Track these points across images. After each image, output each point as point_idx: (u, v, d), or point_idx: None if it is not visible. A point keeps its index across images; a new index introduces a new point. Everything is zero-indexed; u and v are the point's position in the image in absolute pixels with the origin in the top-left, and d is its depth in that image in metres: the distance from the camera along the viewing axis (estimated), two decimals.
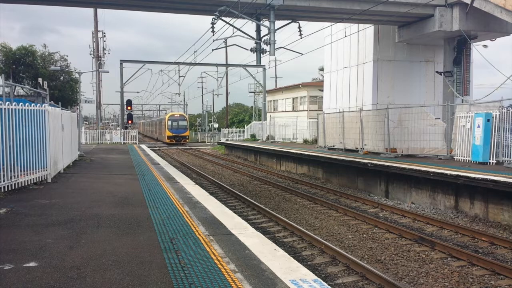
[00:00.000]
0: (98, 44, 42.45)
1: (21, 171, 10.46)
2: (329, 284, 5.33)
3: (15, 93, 26.61)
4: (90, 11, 76.01)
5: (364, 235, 9.81)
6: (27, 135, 10.66)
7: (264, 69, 43.40)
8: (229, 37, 24.40)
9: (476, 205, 11.78)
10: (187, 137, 51.09)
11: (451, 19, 19.94)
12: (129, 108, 38.98)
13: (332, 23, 25.65)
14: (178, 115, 51.73)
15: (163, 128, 51.99)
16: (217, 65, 44.33)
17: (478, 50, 20.81)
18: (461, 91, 20.93)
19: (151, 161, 18.82)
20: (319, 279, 4.52)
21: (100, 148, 29.19)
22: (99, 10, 50.02)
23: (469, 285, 6.90)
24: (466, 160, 15.01)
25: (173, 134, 49.06)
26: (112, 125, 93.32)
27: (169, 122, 49.42)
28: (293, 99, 50.94)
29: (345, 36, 26.01)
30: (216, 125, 62.39)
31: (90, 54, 45.01)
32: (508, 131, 13.66)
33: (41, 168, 11.38)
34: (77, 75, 33.90)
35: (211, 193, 12.78)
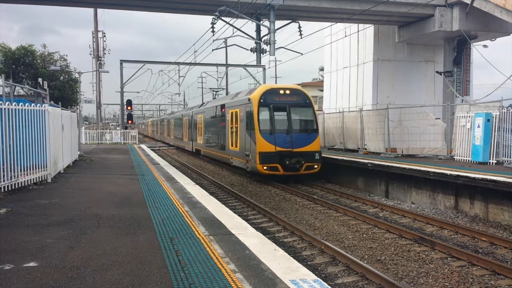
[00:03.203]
0: (98, 44, 42.41)
1: (21, 171, 10.46)
2: (329, 284, 5.33)
3: (15, 93, 26.63)
4: (89, 11, 76.23)
5: (364, 235, 9.81)
6: (27, 135, 10.65)
7: (264, 69, 43.38)
8: (229, 37, 24.43)
9: (476, 205, 11.77)
10: (317, 156, 17.39)
11: (451, 19, 19.95)
12: (129, 108, 38.87)
13: (332, 23, 25.68)
14: (287, 92, 17.81)
15: (241, 129, 18.88)
16: (217, 65, 44.26)
17: (478, 50, 20.82)
18: (461, 91, 20.94)
19: (151, 161, 18.82)
20: (319, 279, 4.52)
21: (100, 148, 29.18)
22: (99, 11, 49.83)
23: (469, 285, 6.89)
24: (466, 160, 15.00)
25: (283, 150, 16.88)
26: (112, 125, 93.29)
27: (266, 113, 17.34)
28: None
29: (345, 36, 26.03)
30: None
31: (90, 54, 45.00)
32: (508, 131, 13.66)
33: (41, 168, 11.38)
34: (77, 75, 33.95)
35: (211, 193, 12.79)
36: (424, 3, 19.23)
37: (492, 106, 14.85)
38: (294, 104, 17.50)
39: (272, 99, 17.35)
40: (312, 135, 17.46)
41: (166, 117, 52.65)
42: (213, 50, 50.96)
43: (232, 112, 20.14)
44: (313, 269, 7.49)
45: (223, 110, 22.15)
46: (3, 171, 9.70)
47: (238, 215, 7.99)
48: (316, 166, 17.21)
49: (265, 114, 17.11)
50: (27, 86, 32.41)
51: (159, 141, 54.80)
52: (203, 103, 32.31)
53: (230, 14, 18.95)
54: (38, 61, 40.80)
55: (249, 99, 17.69)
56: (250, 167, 17.68)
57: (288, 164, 16.56)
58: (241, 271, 4.71)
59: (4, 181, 9.71)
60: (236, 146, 19.41)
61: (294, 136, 16.94)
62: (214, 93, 37.97)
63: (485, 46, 23.55)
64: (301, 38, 21.59)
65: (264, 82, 43.61)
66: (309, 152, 17.03)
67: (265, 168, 16.62)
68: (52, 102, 17.67)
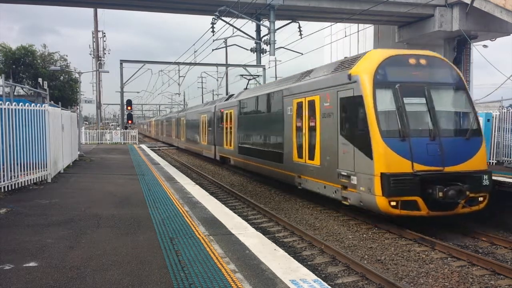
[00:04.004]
0: (98, 44, 42.45)
1: (21, 171, 10.47)
2: (329, 284, 5.33)
3: (15, 93, 26.65)
4: (89, 11, 76.31)
5: (364, 235, 9.80)
6: (27, 135, 10.67)
7: (264, 69, 43.37)
8: (229, 37, 24.52)
9: None
10: (486, 179, 9.51)
11: (451, 19, 19.97)
12: (129, 108, 38.88)
13: (332, 23, 25.68)
14: (421, 61, 10.13)
15: (323, 130, 11.58)
16: (217, 65, 44.26)
17: (478, 50, 20.84)
18: None
19: (151, 161, 18.83)
20: (319, 279, 4.53)
21: (100, 148, 29.19)
22: (99, 10, 49.77)
23: (469, 285, 6.89)
24: None
25: (427, 169, 9.17)
26: (112, 125, 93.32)
27: (390, 100, 9.66)
28: None
29: (345, 36, 26.04)
30: None
31: (90, 54, 45.02)
32: (508, 131, 13.68)
33: (41, 168, 11.39)
34: (77, 75, 33.96)
35: (211, 193, 12.78)
36: (424, 3, 19.23)
37: (492, 106, 14.88)
38: (436, 84, 10.15)
39: (398, 75, 9.97)
40: (473, 142, 9.89)
41: (174, 116, 43.60)
42: (213, 50, 50.88)
43: (302, 103, 12.75)
44: (313, 269, 7.48)
45: (278, 100, 14.59)
46: (3, 171, 9.71)
47: (238, 215, 8.00)
48: (481, 199, 9.66)
49: (388, 102, 9.69)
50: (27, 86, 32.43)
51: (166, 143, 47.07)
52: (231, 95, 23.66)
53: (230, 14, 18.97)
54: (38, 61, 40.84)
55: (349, 76, 10.13)
56: (353, 198, 10.10)
57: (442, 196, 8.93)
58: (241, 271, 4.71)
59: (4, 181, 9.72)
60: (311, 159, 12.24)
61: (444, 143, 9.47)
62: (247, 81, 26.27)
63: (485, 46, 23.57)
64: (301, 38, 21.63)
65: (264, 82, 42.57)
66: (472, 174, 9.54)
67: (393, 204, 9.06)
68: (52, 102, 17.68)
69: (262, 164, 16.56)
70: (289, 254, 6.23)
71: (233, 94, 23.28)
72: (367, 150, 9.50)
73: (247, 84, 24.75)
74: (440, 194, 8.93)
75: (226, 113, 21.58)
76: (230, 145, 20.82)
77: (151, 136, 70.88)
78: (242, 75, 25.68)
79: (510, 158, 13.62)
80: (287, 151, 13.96)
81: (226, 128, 21.55)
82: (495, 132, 13.97)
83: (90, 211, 7.87)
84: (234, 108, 20.17)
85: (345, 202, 10.65)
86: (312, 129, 12.25)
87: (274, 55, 20.41)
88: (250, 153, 17.98)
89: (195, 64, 40.36)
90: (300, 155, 13.07)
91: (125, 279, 4.50)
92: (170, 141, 44.91)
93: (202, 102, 50.61)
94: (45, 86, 21.66)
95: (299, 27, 21.86)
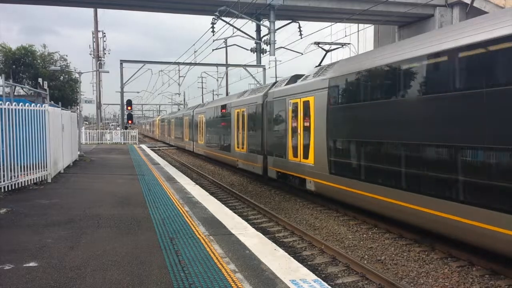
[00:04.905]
0: (98, 44, 42.44)
1: (21, 171, 10.47)
2: (329, 284, 5.33)
3: (15, 93, 26.67)
4: (89, 12, 76.46)
5: (364, 235, 9.80)
6: (27, 135, 10.68)
7: (264, 69, 43.39)
8: (229, 37, 24.48)
9: None
10: None
11: (451, 19, 19.99)
12: (129, 108, 38.87)
13: (332, 23, 25.70)
14: None
15: None
16: (217, 65, 44.26)
17: None
18: None
19: (151, 161, 18.83)
20: (319, 279, 4.53)
21: (100, 148, 29.20)
22: (99, 11, 49.75)
23: (469, 285, 6.89)
24: None
25: None
26: (112, 125, 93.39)
27: None
28: None
29: (345, 36, 26.06)
30: None
31: (90, 54, 45.01)
32: None
33: (41, 168, 11.39)
34: (77, 75, 33.98)
35: (211, 193, 12.79)
36: (424, 3, 19.25)
37: None
38: None
39: None
40: None
41: (187, 113, 34.83)
42: (213, 50, 50.81)
43: None
44: (313, 269, 7.48)
45: (496, 63, 6.24)
46: (3, 171, 9.71)
47: (238, 215, 8.01)
48: None
49: None
50: (27, 86, 32.46)
51: (176, 146, 41.12)
52: (295, 76, 15.05)
53: (230, 14, 18.98)
54: (38, 61, 40.89)
55: None
56: None
57: None
58: (241, 271, 4.71)
59: (4, 181, 9.72)
60: None
61: None
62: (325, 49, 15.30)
63: None
64: (301, 38, 21.62)
65: (264, 82, 43.21)
66: None
67: None
68: (52, 102, 17.69)
69: (422, 206, 8.13)
70: (289, 254, 6.23)
71: (300, 75, 14.68)
72: None
73: (323, 57, 15.24)
74: None
75: (294, 104, 13.64)
76: (306, 157, 12.88)
77: (155, 137, 63.41)
78: (317, 43, 14.48)
79: None
80: None
81: (294, 128, 13.66)
82: None
83: (90, 211, 7.88)
84: (317, 94, 12.04)
85: None
86: None
87: (274, 55, 20.41)
88: (370, 178, 9.71)
89: (195, 64, 40.38)
90: None
91: (125, 279, 4.51)
92: (181, 145, 37.39)
93: (203, 102, 45.14)
94: (45, 86, 21.66)
95: (299, 27, 21.87)
